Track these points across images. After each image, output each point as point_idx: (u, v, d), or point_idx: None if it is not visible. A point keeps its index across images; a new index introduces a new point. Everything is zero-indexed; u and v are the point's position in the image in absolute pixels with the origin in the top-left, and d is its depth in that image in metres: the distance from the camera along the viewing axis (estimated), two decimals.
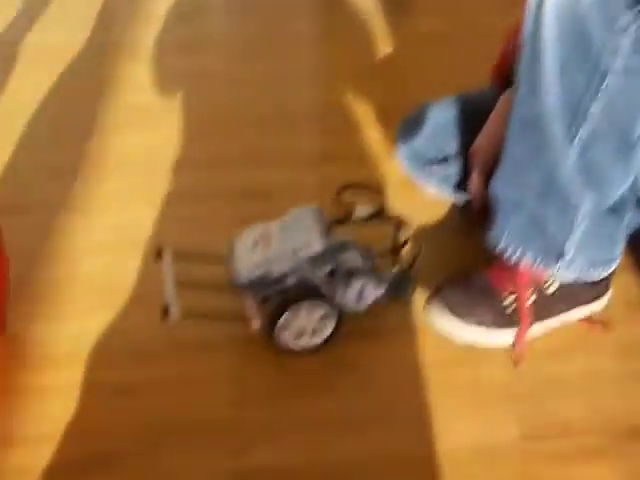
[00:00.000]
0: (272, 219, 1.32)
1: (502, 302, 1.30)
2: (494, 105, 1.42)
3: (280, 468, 1.15)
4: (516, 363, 1.28)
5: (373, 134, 1.84)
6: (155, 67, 2.13)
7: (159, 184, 1.69)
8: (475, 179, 1.41)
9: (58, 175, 1.73)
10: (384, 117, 1.88)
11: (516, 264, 1.28)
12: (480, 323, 1.29)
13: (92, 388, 1.27)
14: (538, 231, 1.24)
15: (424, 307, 1.35)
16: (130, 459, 1.17)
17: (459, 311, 1.30)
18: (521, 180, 1.23)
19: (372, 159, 1.75)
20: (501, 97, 1.41)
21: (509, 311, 1.29)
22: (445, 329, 1.32)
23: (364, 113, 1.91)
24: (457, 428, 1.20)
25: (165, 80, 2.07)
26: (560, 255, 1.25)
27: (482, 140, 1.41)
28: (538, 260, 1.26)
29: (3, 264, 1.30)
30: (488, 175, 1.36)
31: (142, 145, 1.83)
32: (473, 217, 1.46)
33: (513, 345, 1.30)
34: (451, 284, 1.34)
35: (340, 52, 2.19)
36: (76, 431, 1.20)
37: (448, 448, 1.17)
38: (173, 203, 1.64)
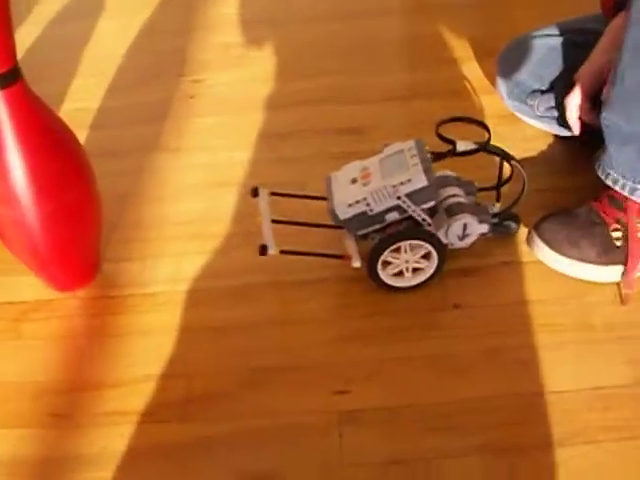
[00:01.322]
0: (366, 155, 1.29)
1: (609, 236, 1.25)
2: (602, 31, 1.36)
3: (384, 408, 1.13)
4: (624, 301, 1.23)
5: (467, 68, 1.79)
6: (244, 7, 2.10)
7: (250, 123, 1.67)
8: (579, 102, 1.35)
9: (150, 117, 1.73)
10: (479, 50, 1.83)
11: (626, 197, 1.23)
12: (584, 258, 1.25)
13: (190, 329, 1.26)
14: None
15: (526, 242, 1.32)
16: (230, 400, 1.16)
17: (561, 246, 1.26)
18: (635, 109, 1.17)
19: (468, 93, 1.70)
20: (611, 22, 1.34)
21: (616, 246, 1.24)
22: (546, 265, 1.28)
23: (457, 46, 1.86)
24: (565, 370, 1.16)
25: (254, 20, 2.05)
26: None
27: (588, 65, 1.35)
28: None
29: (97, 205, 1.29)
30: (592, 102, 1.32)
31: (232, 84, 1.82)
32: (579, 149, 1.41)
33: (621, 282, 1.25)
34: (552, 218, 1.29)
35: None
36: (174, 373, 1.20)
37: (557, 391, 1.13)
38: (265, 142, 1.62)
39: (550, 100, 1.46)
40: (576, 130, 1.37)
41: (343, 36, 1.94)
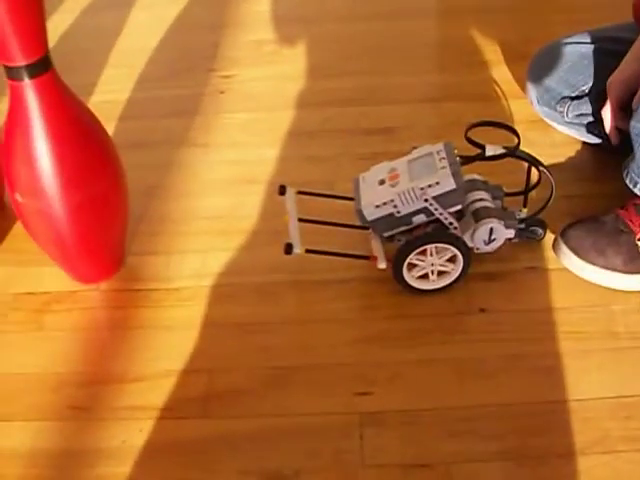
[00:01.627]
0: (394, 156, 1.29)
1: (635, 245, 1.24)
2: (634, 39, 1.35)
3: (405, 410, 1.12)
4: None
5: (498, 72, 1.77)
6: (276, 5, 2.10)
7: (280, 120, 1.67)
8: (609, 111, 1.34)
9: (179, 111, 1.73)
10: (511, 54, 1.82)
11: None
12: (609, 267, 1.25)
13: (213, 325, 1.26)
14: None
15: (552, 248, 1.31)
16: (252, 397, 1.16)
17: (587, 254, 1.25)
18: None
19: (498, 97, 1.69)
20: None
21: None
22: (572, 272, 1.27)
23: (489, 50, 1.85)
24: (589, 378, 1.15)
25: (286, 18, 2.05)
26: None
27: (619, 73, 1.35)
28: None
29: (124, 198, 1.29)
30: (623, 110, 1.32)
31: (263, 81, 1.82)
32: (608, 156, 1.40)
33: None
34: (579, 225, 1.29)
35: None
36: (196, 369, 1.20)
37: (580, 399, 1.12)
38: (294, 140, 1.62)
39: (579, 107, 1.45)
40: (614, 140, 1.36)
41: (375, 36, 1.94)
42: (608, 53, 1.44)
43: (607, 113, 1.35)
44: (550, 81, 1.49)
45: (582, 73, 1.46)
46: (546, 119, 1.54)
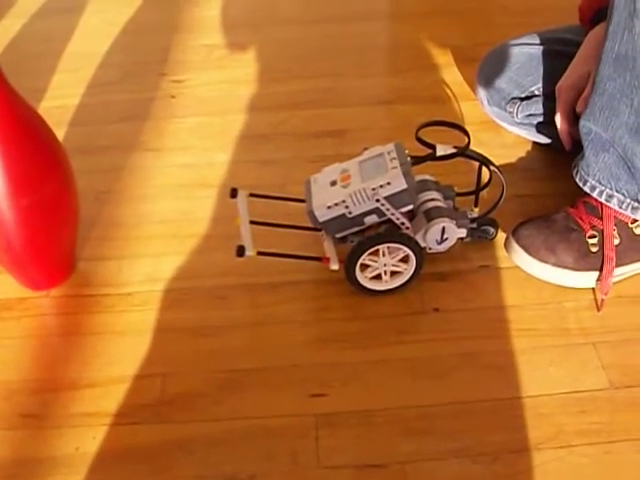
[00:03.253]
0: (346, 159, 1.29)
1: (585, 242, 1.25)
2: (581, 41, 1.37)
3: (360, 411, 1.12)
4: (600, 307, 1.24)
5: (449, 74, 1.79)
6: (227, 10, 2.10)
7: (231, 124, 1.67)
8: (559, 116, 1.36)
9: (130, 115, 1.72)
10: (461, 56, 1.84)
11: (603, 204, 1.24)
12: (560, 264, 1.25)
13: (166, 330, 1.25)
14: (628, 171, 1.19)
15: (504, 247, 1.32)
16: (206, 401, 1.15)
17: (538, 252, 1.26)
18: (613, 117, 1.17)
19: (449, 99, 1.71)
20: (590, 32, 1.35)
21: (592, 252, 1.25)
22: (524, 270, 1.28)
23: (439, 53, 1.87)
24: (542, 375, 1.16)
25: (237, 23, 2.04)
26: None
27: (568, 76, 1.36)
28: (627, 201, 1.21)
29: (74, 202, 1.28)
30: (573, 112, 1.33)
31: (214, 85, 1.81)
32: (558, 156, 1.42)
33: (596, 288, 1.26)
34: (530, 224, 1.30)
35: None
36: (149, 374, 1.19)
37: (533, 395, 1.13)
38: (246, 144, 1.61)
39: (529, 108, 1.47)
40: (567, 145, 1.38)
41: (326, 40, 1.95)
42: (556, 54, 1.45)
43: (558, 118, 1.37)
44: (500, 82, 1.51)
45: (531, 74, 1.48)
46: (496, 119, 1.55)
